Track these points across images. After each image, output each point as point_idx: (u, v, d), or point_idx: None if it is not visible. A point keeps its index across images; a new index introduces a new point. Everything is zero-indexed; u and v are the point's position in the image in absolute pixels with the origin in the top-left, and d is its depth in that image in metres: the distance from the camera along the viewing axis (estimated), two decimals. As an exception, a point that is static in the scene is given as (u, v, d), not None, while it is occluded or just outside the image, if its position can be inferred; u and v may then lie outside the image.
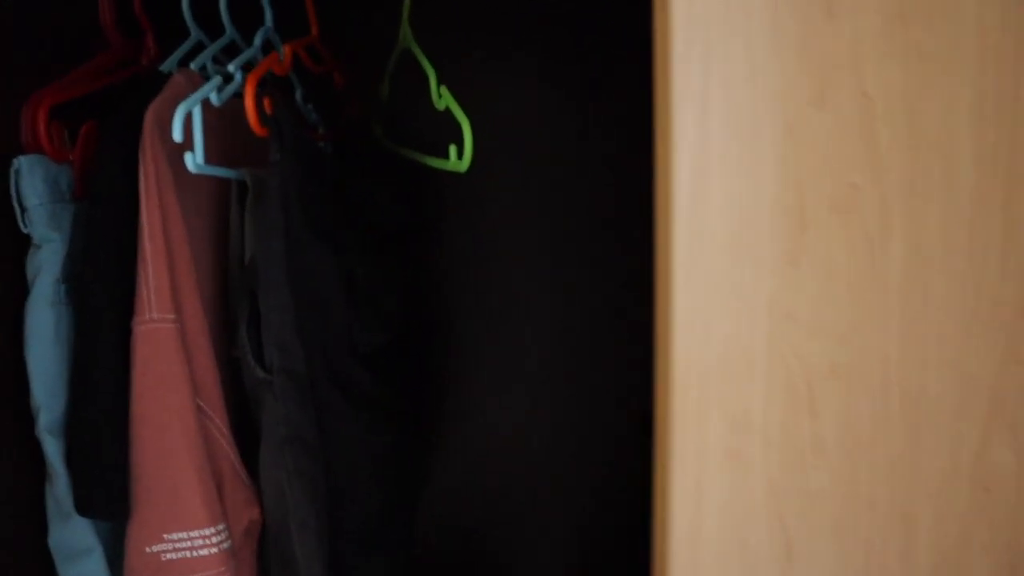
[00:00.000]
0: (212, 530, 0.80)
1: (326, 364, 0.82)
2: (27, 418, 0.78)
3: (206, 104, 0.79)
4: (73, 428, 0.78)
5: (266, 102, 0.79)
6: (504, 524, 1.37)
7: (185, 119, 0.73)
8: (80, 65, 0.88)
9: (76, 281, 0.78)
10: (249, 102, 0.75)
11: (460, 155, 0.86)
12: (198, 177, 0.82)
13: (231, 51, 0.96)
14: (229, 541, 0.82)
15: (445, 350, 1.32)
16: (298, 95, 1.04)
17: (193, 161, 0.75)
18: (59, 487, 0.79)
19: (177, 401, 0.77)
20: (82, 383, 0.77)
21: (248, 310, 0.80)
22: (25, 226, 0.77)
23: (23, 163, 0.76)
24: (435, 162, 0.91)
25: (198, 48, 0.94)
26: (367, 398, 0.90)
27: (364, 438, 0.90)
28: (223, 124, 0.88)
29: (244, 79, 0.85)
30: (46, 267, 0.77)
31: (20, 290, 0.78)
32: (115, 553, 0.82)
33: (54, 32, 0.87)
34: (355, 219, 0.92)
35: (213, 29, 0.95)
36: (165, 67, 0.90)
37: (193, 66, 0.86)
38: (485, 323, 1.31)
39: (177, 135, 0.73)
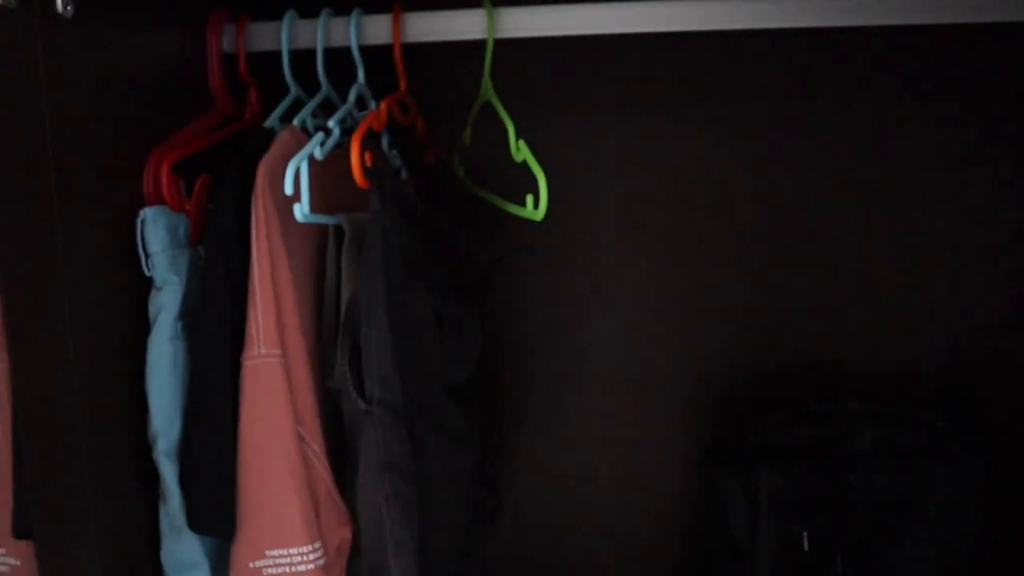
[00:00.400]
0: (309, 548, 0.86)
1: (420, 397, 0.89)
2: (146, 443, 0.86)
3: (310, 158, 0.87)
4: (187, 453, 0.85)
5: (367, 156, 0.87)
6: (570, 559, 1.42)
7: (295, 174, 0.81)
8: (190, 122, 0.97)
9: (192, 319, 0.86)
10: (355, 159, 0.82)
11: (536, 204, 0.92)
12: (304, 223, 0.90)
13: (326, 105, 1.04)
14: (324, 558, 0.88)
15: (516, 386, 1.38)
16: (384, 142, 1.12)
17: (301, 212, 0.83)
18: (172, 505, 0.86)
19: (281, 430, 0.85)
20: (196, 412, 0.85)
21: (350, 346, 0.87)
22: (148, 270, 0.85)
23: (148, 214, 0.84)
24: (513, 208, 0.97)
25: (297, 103, 1.02)
26: (453, 428, 0.96)
27: (452, 465, 0.96)
28: (320, 170, 0.96)
29: (341, 133, 0.93)
30: (166, 307, 0.85)
31: (142, 328, 0.86)
32: (220, 567, 0.89)
33: (171, 93, 0.95)
34: (441, 260, 0.99)
35: (309, 84, 1.03)
36: (269, 123, 0.98)
37: (296, 122, 0.94)
38: (558, 360, 1.37)
39: (288, 189, 0.80)
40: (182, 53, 0.98)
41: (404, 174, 1.19)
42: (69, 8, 0.77)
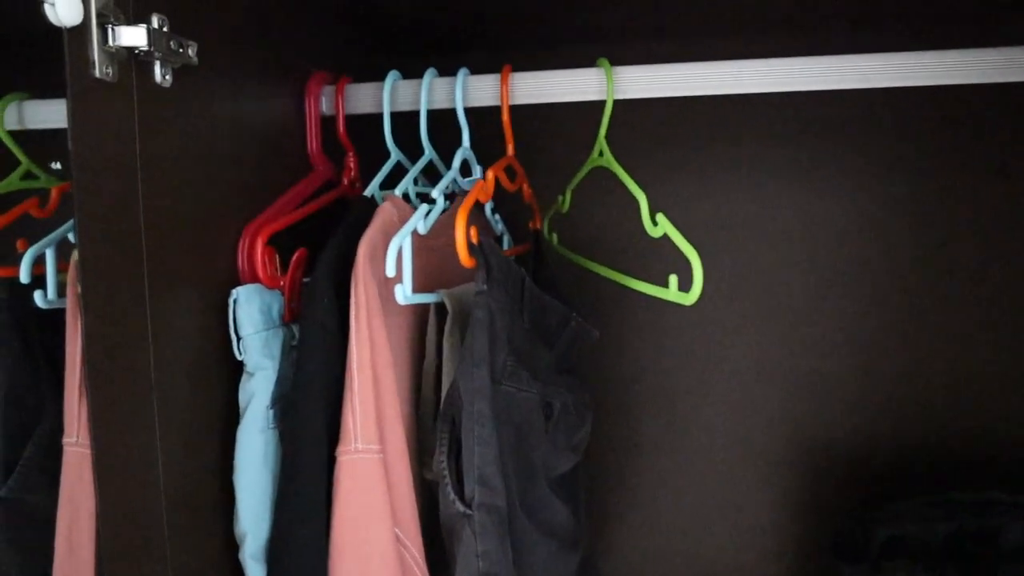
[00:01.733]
0: (406, 659, 0.78)
1: (522, 495, 0.81)
2: (233, 544, 0.79)
3: (413, 234, 0.80)
4: (276, 556, 0.78)
5: (473, 232, 0.80)
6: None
7: (397, 255, 0.74)
8: (287, 189, 0.92)
9: (285, 407, 0.80)
10: (460, 237, 0.75)
11: (687, 287, 0.79)
12: (401, 303, 0.84)
13: (428, 170, 0.98)
14: (420, 670, 0.80)
15: (619, 462, 1.29)
16: (488, 207, 1.04)
17: (403, 294, 0.76)
18: (259, 612, 0.79)
19: (378, 533, 0.77)
20: (286, 510, 0.78)
21: (448, 438, 0.79)
22: (240, 353, 0.79)
23: (241, 294, 0.79)
24: (652, 290, 0.86)
25: (398, 168, 0.96)
26: (560, 527, 0.88)
27: (553, 566, 0.87)
28: (422, 242, 0.90)
29: (447, 204, 0.86)
30: (258, 394, 0.79)
31: (232, 417, 0.80)
32: None
33: (268, 160, 0.90)
34: (549, 339, 0.91)
35: (410, 148, 0.97)
36: (369, 191, 0.92)
37: (398, 191, 0.88)
38: (663, 436, 1.28)
39: (391, 271, 0.74)
40: (280, 118, 0.93)
41: (507, 240, 1.12)
42: (168, 78, 0.72)
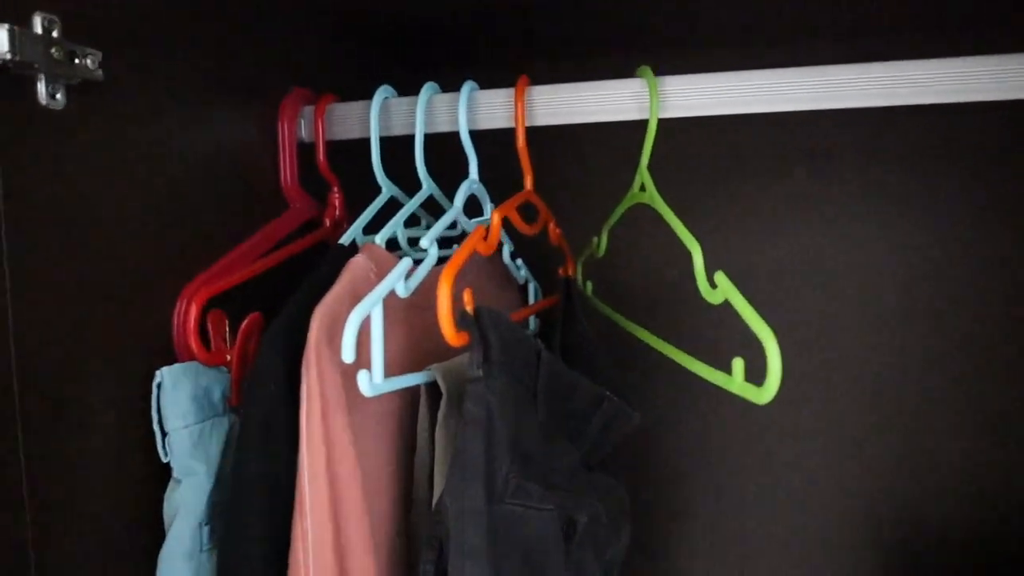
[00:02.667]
0: None
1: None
2: None
3: (387, 300, 0.61)
4: None
5: (467, 295, 0.60)
6: None
7: (357, 331, 0.55)
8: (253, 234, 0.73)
9: (220, 528, 0.61)
10: (442, 308, 0.56)
11: (757, 377, 0.56)
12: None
13: (431, 205, 0.79)
14: None
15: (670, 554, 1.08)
16: (506, 251, 0.85)
17: (369, 382, 0.56)
18: None
19: None
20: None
21: (433, 571, 0.60)
22: (165, 455, 0.61)
23: (166, 376, 0.61)
24: (709, 374, 0.63)
25: (391, 205, 0.78)
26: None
27: None
28: (408, 303, 0.71)
29: (439, 258, 0.67)
30: (184, 508, 0.60)
31: (158, 536, 0.62)
32: None
33: (227, 197, 0.72)
34: (572, 429, 0.71)
35: (411, 181, 0.78)
36: (348, 236, 0.73)
37: (379, 238, 0.69)
38: (719, 521, 1.06)
39: (347, 355, 0.54)
40: (241, 145, 0.75)
41: (534, 289, 0.93)
42: (59, 97, 0.54)
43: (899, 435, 1.02)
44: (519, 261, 0.89)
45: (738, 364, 0.58)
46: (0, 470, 0.51)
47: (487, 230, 0.66)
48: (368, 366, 0.58)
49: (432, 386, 0.67)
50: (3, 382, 0.51)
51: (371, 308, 0.57)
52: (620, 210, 0.79)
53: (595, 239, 0.86)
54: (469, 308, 0.60)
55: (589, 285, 0.90)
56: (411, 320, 0.71)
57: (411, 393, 0.71)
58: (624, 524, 0.74)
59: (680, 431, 1.07)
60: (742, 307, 0.56)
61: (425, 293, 0.72)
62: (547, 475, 0.63)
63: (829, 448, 1.03)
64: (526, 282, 0.91)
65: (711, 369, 0.62)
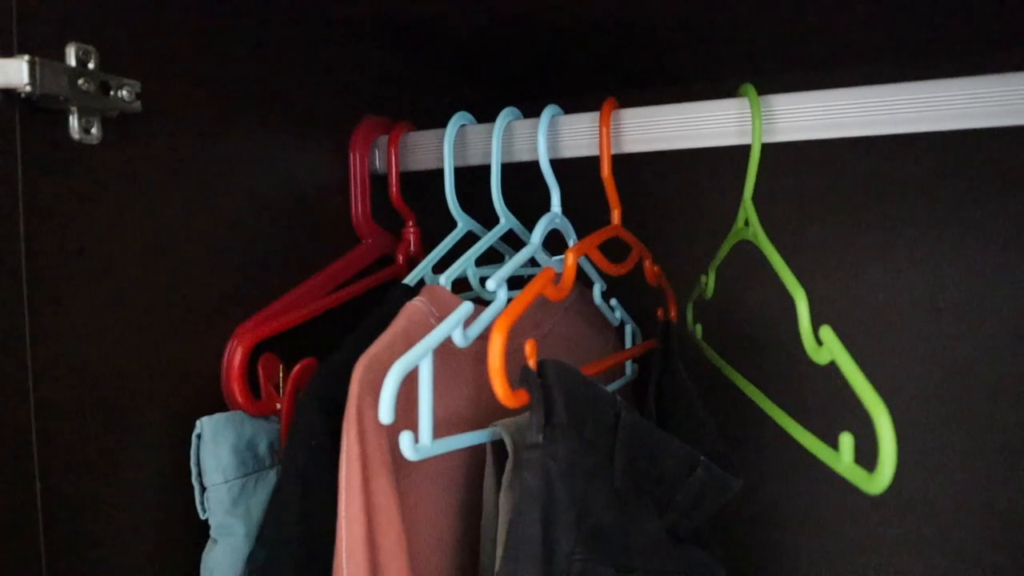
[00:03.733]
0: None
1: None
2: None
3: (439, 351, 0.54)
4: None
5: (529, 347, 0.53)
6: None
7: (397, 387, 0.48)
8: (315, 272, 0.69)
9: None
10: (494, 362, 0.49)
11: (870, 460, 0.45)
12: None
13: (512, 239, 0.73)
14: None
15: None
16: (597, 291, 0.77)
17: (412, 446, 0.50)
18: None
19: None
20: None
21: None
22: (203, 511, 0.56)
23: (206, 427, 0.56)
24: (815, 447, 0.52)
25: (468, 239, 0.72)
26: None
27: None
28: (472, 350, 0.64)
29: (508, 301, 0.60)
30: (219, 571, 0.55)
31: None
32: None
33: (293, 235, 0.68)
34: (658, 497, 0.62)
35: (489, 212, 0.72)
36: (415, 275, 0.67)
37: (444, 279, 0.63)
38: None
39: (384, 416, 0.48)
40: (306, 178, 0.70)
41: (632, 331, 0.84)
42: (94, 132, 0.51)
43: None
44: (613, 301, 0.81)
45: (847, 441, 0.47)
46: (26, 515, 0.47)
47: (558, 274, 0.58)
48: (415, 425, 0.51)
49: (499, 444, 0.60)
50: (23, 435, 0.47)
51: (419, 360, 0.51)
52: (725, 248, 0.70)
53: (703, 278, 0.77)
54: (531, 362, 0.52)
55: (699, 328, 0.80)
56: (478, 368, 0.65)
57: (478, 449, 0.64)
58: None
59: (783, 497, 0.96)
60: (850, 371, 0.46)
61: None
62: (622, 553, 0.54)
63: (959, 524, 0.89)
64: (622, 323, 0.83)
65: (818, 441, 0.52)
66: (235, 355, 0.59)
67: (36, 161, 0.48)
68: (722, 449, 0.66)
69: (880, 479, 0.43)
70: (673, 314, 0.81)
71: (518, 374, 0.53)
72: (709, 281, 0.77)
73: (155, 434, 0.55)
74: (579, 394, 0.53)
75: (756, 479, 0.96)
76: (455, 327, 0.54)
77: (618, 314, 0.82)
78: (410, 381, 0.53)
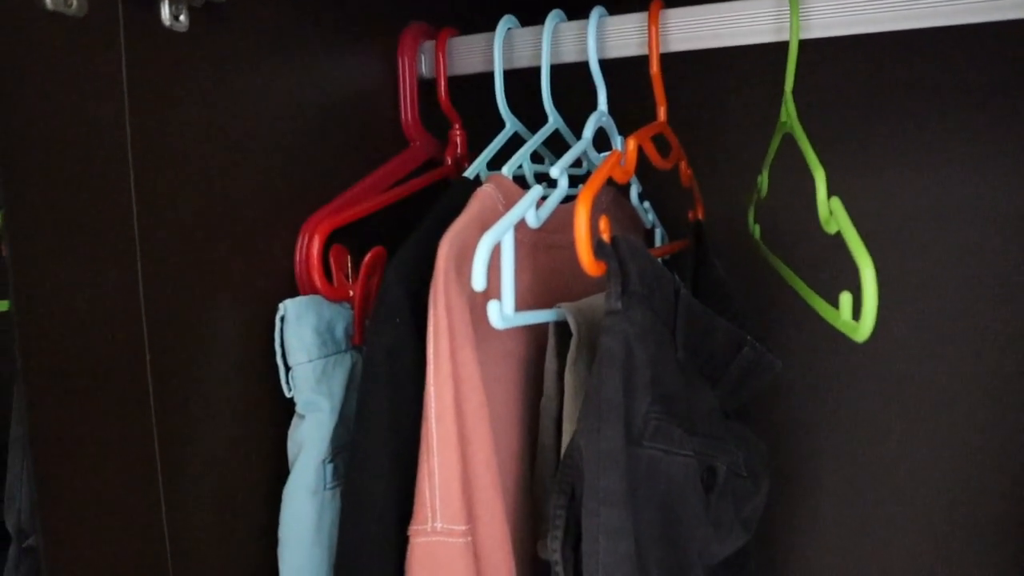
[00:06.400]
0: None
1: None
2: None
3: (518, 227, 0.57)
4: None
5: (603, 223, 0.56)
6: None
7: (488, 257, 0.52)
8: (369, 172, 0.71)
9: (346, 466, 0.59)
10: (581, 231, 0.52)
11: (856, 315, 0.51)
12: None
13: (555, 143, 0.75)
14: None
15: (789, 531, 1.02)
16: (634, 191, 0.81)
17: (500, 314, 0.53)
18: None
19: (464, 641, 0.55)
20: (344, 605, 0.57)
21: (564, 517, 0.56)
22: (289, 389, 0.59)
23: (290, 309, 0.59)
24: (821, 307, 0.60)
25: (515, 142, 0.74)
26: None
27: None
28: (536, 241, 0.67)
29: (572, 183, 0.63)
30: (309, 444, 0.59)
31: (281, 471, 0.60)
32: None
33: (347, 135, 0.70)
34: (710, 373, 0.66)
35: (535, 116, 0.75)
36: (472, 170, 0.70)
37: (506, 170, 0.66)
38: (846, 498, 0.99)
39: (478, 283, 0.51)
40: (361, 80, 0.72)
41: (661, 235, 0.88)
42: (182, 19, 0.53)
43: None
44: (647, 204, 0.84)
45: (846, 298, 0.52)
46: (134, 401, 0.50)
47: (622, 156, 0.61)
48: (497, 298, 0.54)
49: (561, 326, 0.63)
50: (133, 316, 0.50)
51: (502, 235, 0.54)
52: (775, 144, 0.73)
53: (759, 178, 0.79)
54: (606, 236, 0.56)
55: (757, 229, 0.83)
56: (537, 260, 0.68)
57: (536, 337, 0.68)
58: (764, 478, 0.68)
59: (810, 389, 1.00)
60: (850, 235, 0.50)
61: (552, 231, 0.68)
62: (686, 418, 0.58)
63: (976, 416, 0.95)
64: (653, 227, 0.87)
65: (824, 303, 0.57)
66: (312, 243, 0.61)
67: (134, 48, 0.50)
68: (761, 335, 0.70)
69: (864, 327, 0.48)
70: (701, 215, 0.85)
71: (573, 265, 0.56)
72: (763, 180, 0.79)
73: (234, 321, 0.57)
74: (647, 268, 0.57)
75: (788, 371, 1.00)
76: (529, 207, 0.57)
77: (651, 216, 0.85)
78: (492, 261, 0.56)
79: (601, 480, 0.52)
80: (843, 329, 0.53)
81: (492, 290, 0.57)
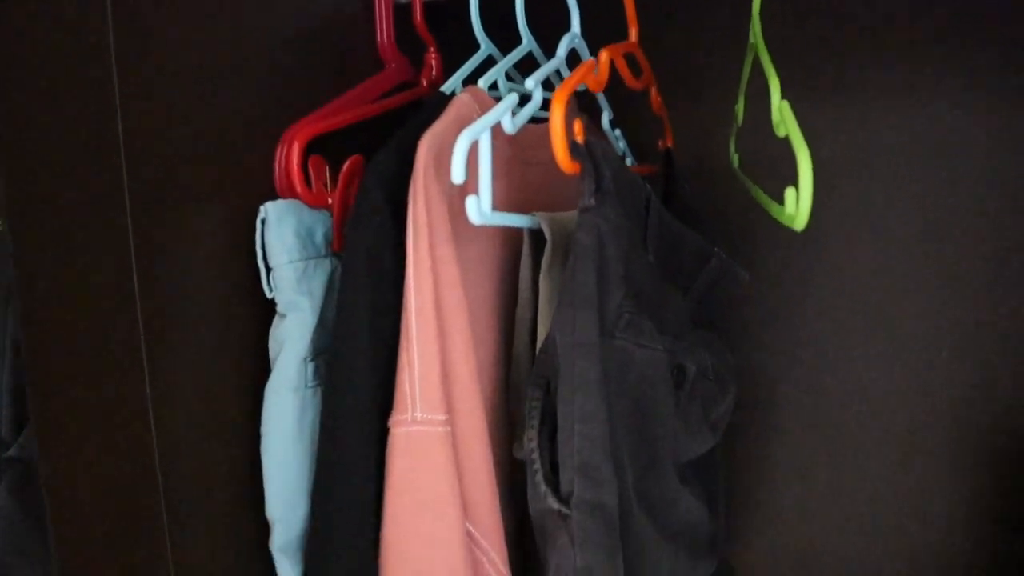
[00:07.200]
0: None
1: (640, 489, 0.59)
2: (263, 533, 0.62)
3: (497, 132, 0.59)
4: (311, 555, 0.60)
5: (577, 126, 0.58)
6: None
7: (468, 152, 0.53)
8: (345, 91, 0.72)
9: (326, 363, 0.61)
10: (556, 125, 0.53)
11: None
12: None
13: (527, 66, 0.77)
14: None
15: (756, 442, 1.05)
16: (605, 118, 0.82)
17: (478, 209, 0.55)
18: (293, 622, 0.61)
19: (442, 528, 0.57)
20: (325, 495, 0.59)
21: (540, 410, 0.58)
22: (270, 290, 0.61)
23: (271, 211, 0.60)
24: (767, 203, 0.64)
25: (488, 64, 0.75)
26: (683, 525, 0.66)
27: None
28: (512, 154, 0.69)
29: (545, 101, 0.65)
30: (290, 342, 0.60)
31: (262, 370, 0.62)
32: None
33: (323, 56, 0.71)
34: (679, 282, 0.68)
35: (507, 41, 0.76)
36: (448, 87, 0.72)
37: (482, 83, 0.67)
38: (812, 410, 1.03)
39: (457, 175, 0.53)
40: (341, 4, 0.73)
41: (631, 163, 0.90)
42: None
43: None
44: (618, 132, 0.86)
45: (790, 193, 0.55)
46: (121, 306, 0.51)
47: (595, 65, 0.63)
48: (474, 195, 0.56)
49: (536, 235, 0.65)
50: (119, 224, 0.50)
51: (479, 133, 0.55)
52: (747, 68, 0.75)
53: (736, 107, 0.81)
54: (580, 139, 0.57)
55: (736, 159, 0.84)
56: (512, 174, 0.70)
57: (510, 251, 0.70)
58: (731, 384, 0.71)
59: (772, 315, 1.03)
60: (793, 132, 0.54)
61: (527, 147, 0.70)
62: (658, 317, 0.61)
63: (936, 338, 0.98)
64: (624, 155, 0.89)
65: (769, 199, 0.61)
66: (292, 150, 0.62)
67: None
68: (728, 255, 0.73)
69: (801, 213, 0.53)
70: (670, 143, 0.87)
71: (554, 176, 0.58)
72: (740, 108, 0.81)
73: (214, 223, 0.58)
74: (620, 172, 0.59)
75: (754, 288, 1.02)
76: (505, 112, 0.59)
77: (621, 144, 0.87)
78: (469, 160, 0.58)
79: (576, 368, 0.54)
80: (785, 221, 0.56)
81: (469, 190, 0.58)
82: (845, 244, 0.95)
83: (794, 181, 0.54)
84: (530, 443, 0.58)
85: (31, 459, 0.62)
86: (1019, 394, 0.95)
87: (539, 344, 0.64)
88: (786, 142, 0.55)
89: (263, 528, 0.62)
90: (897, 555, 1.02)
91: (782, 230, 0.87)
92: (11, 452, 0.63)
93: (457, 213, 0.59)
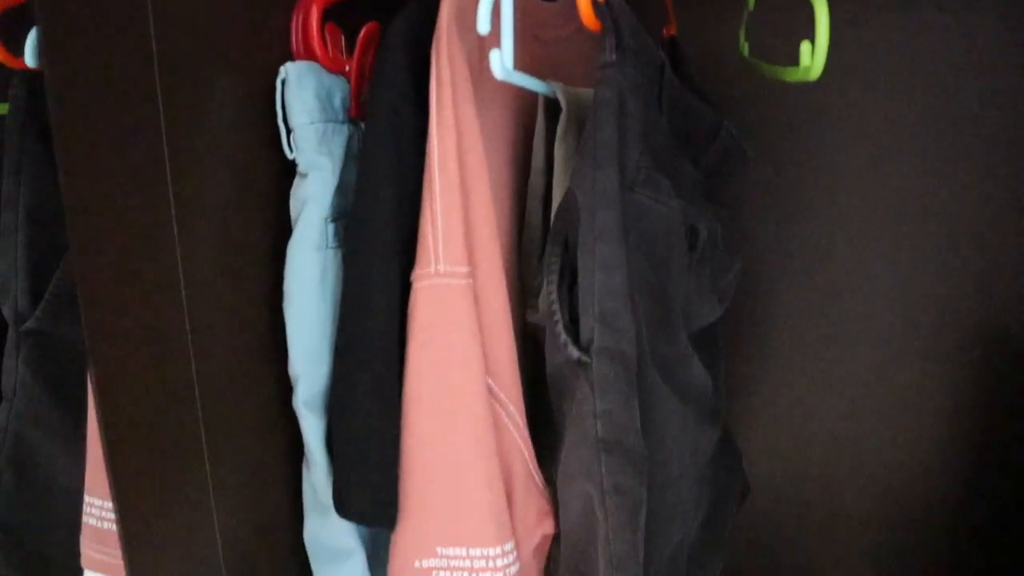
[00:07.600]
0: (498, 550, 0.61)
1: (655, 345, 0.61)
2: (286, 388, 0.63)
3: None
4: (335, 407, 0.62)
5: (597, -16, 0.58)
6: (814, 539, 1.12)
7: (493, 5, 0.54)
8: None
9: (348, 220, 0.62)
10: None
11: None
12: (499, 92, 0.64)
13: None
14: (517, 564, 0.63)
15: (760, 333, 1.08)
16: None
17: (501, 63, 0.55)
18: (317, 475, 0.64)
19: (464, 381, 0.59)
20: (348, 350, 0.61)
21: (559, 264, 0.60)
22: (291, 150, 0.61)
23: (291, 71, 0.60)
24: (782, 73, 0.65)
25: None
26: (698, 392, 0.68)
27: (694, 443, 0.68)
28: (527, 32, 0.69)
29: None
30: (312, 201, 0.61)
31: (283, 230, 0.63)
32: (381, 555, 0.66)
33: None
34: (690, 152, 0.70)
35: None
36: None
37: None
38: (806, 303, 1.05)
39: (483, 25, 0.53)
40: None
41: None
42: None
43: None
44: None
45: (806, 46, 0.57)
46: (152, 168, 0.51)
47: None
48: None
49: (551, 105, 0.66)
50: (149, 88, 0.51)
51: (503, -12, 0.56)
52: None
53: None
54: (601, -3, 0.58)
55: (746, 47, 0.85)
56: (527, 48, 0.70)
57: (524, 116, 0.70)
58: (738, 255, 0.73)
59: (766, 211, 1.04)
60: None
61: (542, 25, 0.71)
62: (674, 174, 0.62)
63: (926, 241, 1.00)
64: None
65: (780, 69, 0.62)
66: (311, 13, 0.63)
67: None
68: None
69: (816, 64, 0.55)
70: (674, 30, 0.87)
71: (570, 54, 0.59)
72: None
73: (235, 86, 0.59)
74: (637, 32, 0.59)
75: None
76: (526, -29, 0.59)
77: (626, 32, 0.87)
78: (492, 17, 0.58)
79: (597, 218, 0.56)
80: (800, 77, 0.57)
81: (490, 47, 0.59)
82: (845, 137, 0.97)
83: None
84: (550, 296, 0.60)
85: (49, 331, 0.64)
86: (1010, 292, 0.99)
87: (554, 209, 0.65)
88: (793, 36, 0.57)
89: (286, 387, 0.63)
90: (888, 441, 1.06)
91: (788, 127, 0.88)
92: (29, 324, 0.64)
93: (477, 78, 0.60)
